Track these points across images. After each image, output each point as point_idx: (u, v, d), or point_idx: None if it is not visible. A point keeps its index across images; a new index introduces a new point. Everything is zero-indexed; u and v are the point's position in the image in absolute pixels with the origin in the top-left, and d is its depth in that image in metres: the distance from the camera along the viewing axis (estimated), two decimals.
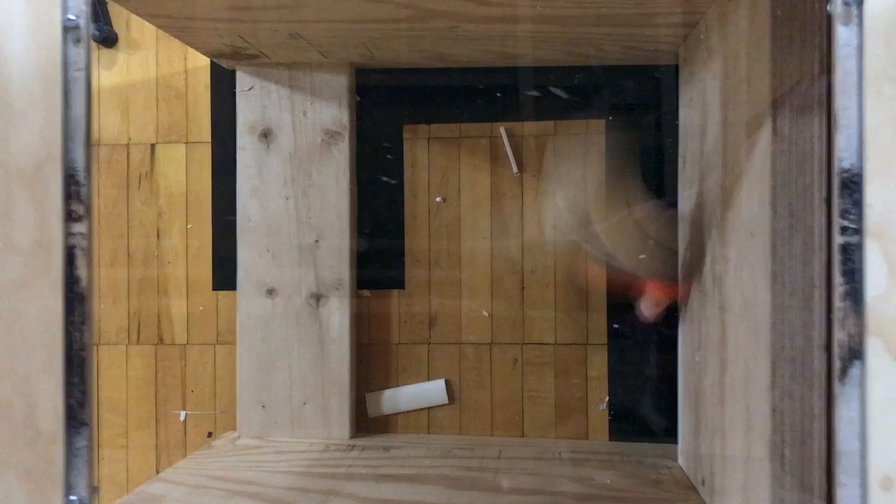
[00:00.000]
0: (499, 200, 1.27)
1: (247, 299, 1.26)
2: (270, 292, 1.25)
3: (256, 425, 1.26)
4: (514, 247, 1.27)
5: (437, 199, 1.28)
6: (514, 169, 1.26)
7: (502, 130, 1.27)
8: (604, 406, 1.26)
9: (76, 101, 0.60)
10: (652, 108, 1.24)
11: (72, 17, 0.60)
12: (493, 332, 1.27)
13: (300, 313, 1.25)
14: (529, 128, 1.27)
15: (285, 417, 1.25)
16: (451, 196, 1.28)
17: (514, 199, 1.27)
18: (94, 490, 0.64)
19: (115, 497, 1.24)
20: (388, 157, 1.29)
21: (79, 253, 0.62)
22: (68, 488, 0.62)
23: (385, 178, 1.29)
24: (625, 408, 1.26)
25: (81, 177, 0.61)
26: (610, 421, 1.26)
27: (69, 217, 0.61)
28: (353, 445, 1.22)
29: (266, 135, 1.25)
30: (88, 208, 0.62)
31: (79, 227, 0.62)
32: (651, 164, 1.24)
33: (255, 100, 1.26)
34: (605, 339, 1.26)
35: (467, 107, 1.28)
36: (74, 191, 0.61)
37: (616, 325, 1.25)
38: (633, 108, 1.25)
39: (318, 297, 1.24)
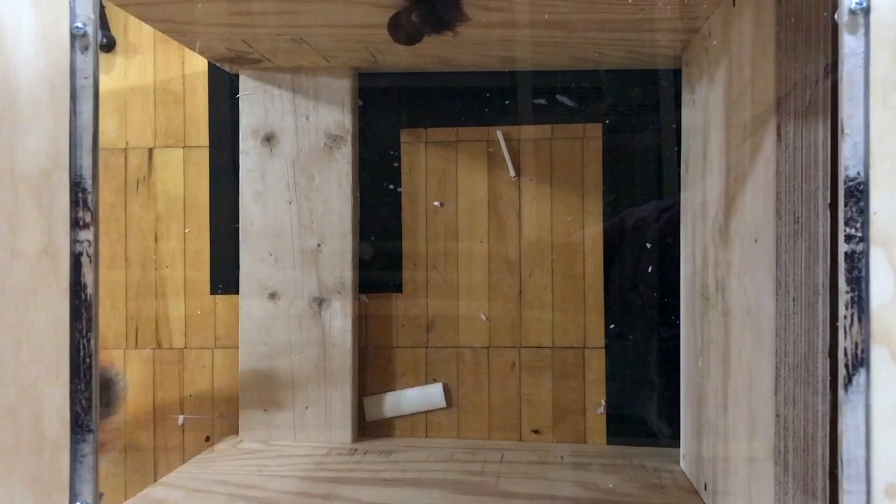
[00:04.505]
0: (496, 204, 1.27)
1: (249, 303, 1.26)
2: (273, 296, 1.25)
3: (258, 429, 1.26)
4: (511, 250, 1.27)
5: (436, 203, 1.28)
6: (511, 173, 1.27)
7: (499, 134, 1.27)
8: (601, 410, 1.26)
9: (83, 108, 0.60)
10: (650, 111, 1.24)
11: (79, 24, 0.60)
12: (490, 336, 1.28)
13: (302, 317, 1.25)
14: (526, 131, 1.27)
15: (287, 421, 1.25)
16: (449, 199, 1.28)
17: (510, 202, 1.27)
18: (99, 496, 0.64)
19: (114, 502, 1.24)
20: (386, 160, 1.29)
21: (85, 260, 0.62)
22: (74, 495, 0.62)
23: (383, 182, 1.29)
24: (623, 411, 1.26)
25: (88, 184, 0.61)
26: (608, 424, 1.26)
27: (76, 224, 0.61)
28: (356, 449, 1.22)
29: (269, 139, 1.25)
30: (95, 215, 0.62)
31: (85, 235, 0.62)
32: (651, 166, 1.24)
33: (257, 104, 1.26)
34: (602, 343, 1.26)
35: (464, 111, 1.28)
36: (81, 198, 0.61)
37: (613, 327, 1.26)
38: (631, 111, 1.25)
39: (320, 301, 1.24)
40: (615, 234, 1.25)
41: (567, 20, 0.98)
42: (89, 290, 0.62)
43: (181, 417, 1.32)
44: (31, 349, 0.60)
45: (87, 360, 0.62)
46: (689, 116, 1.12)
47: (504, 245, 1.27)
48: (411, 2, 0.95)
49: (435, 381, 1.29)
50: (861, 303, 0.51)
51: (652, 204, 1.24)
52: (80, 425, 0.62)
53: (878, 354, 0.51)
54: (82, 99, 0.61)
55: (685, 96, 1.15)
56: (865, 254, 0.51)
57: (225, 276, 1.31)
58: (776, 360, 0.72)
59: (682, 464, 1.16)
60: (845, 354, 0.52)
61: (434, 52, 1.15)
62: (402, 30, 1.01)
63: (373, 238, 1.29)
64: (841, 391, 0.52)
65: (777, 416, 0.72)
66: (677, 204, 1.17)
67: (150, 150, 1.33)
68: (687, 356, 1.14)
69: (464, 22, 0.99)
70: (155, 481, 1.17)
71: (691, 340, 1.10)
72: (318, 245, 1.25)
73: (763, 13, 0.76)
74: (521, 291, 1.27)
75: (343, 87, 1.25)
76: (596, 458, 1.19)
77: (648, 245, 1.24)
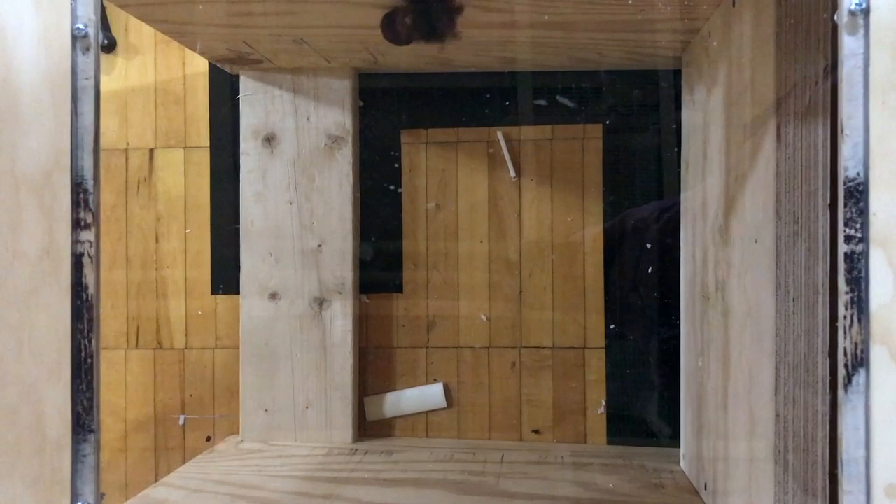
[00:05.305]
0: (496, 204, 1.27)
1: (250, 303, 1.26)
2: (273, 296, 1.25)
3: (259, 429, 1.26)
4: (511, 250, 1.27)
5: (430, 204, 1.28)
6: (511, 173, 1.27)
7: (499, 135, 1.27)
8: (602, 410, 1.26)
9: (85, 109, 0.61)
10: (650, 112, 1.25)
11: (81, 26, 0.60)
12: (490, 336, 1.28)
13: (303, 317, 1.25)
14: (527, 132, 1.27)
15: (288, 421, 1.25)
16: (449, 200, 1.28)
17: (511, 203, 1.27)
18: (101, 496, 0.64)
19: (115, 502, 1.24)
20: (387, 161, 1.29)
21: (86, 261, 0.62)
22: (75, 495, 0.62)
23: (383, 183, 1.29)
24: (623, 411, 1.26)
25: (89, 185, 0.61)
26: (608, 424, 1.26)
27: (77, 225, 0.61)
28: (356, 449, 1.22)
29: (269, 139, 1.25)
30: (96, 216, 0.62)
31: (86, 235, 0.62)
32: (651, 167, 1.24)
33: (258, 105, 1.26)
34: (603, 343, 1.26)
35: (465, 111, 1.28)
36: (83, 199, 0.61)
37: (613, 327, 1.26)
38: (631, 111, 1.25)
39: (321, 301, 1.25)
40: (615, 235, 1.25)
41: (567, 21, 0.98)
42: (90, 291, 0.62)
43: (182, 417, 1.32)
44: (32, 349, 0.60)
45: (89, 360, 0.62)
46: (689, 117, 1.12)
47: (504, 245, 1.27)
48: (408, 3, 0.95)
49: (435, 381, 1.29)
50: (861, 303, 0.51)
51: (652, 204, 1.24)
52: (81, 425, 0.62)
53: (877, 354, 0.51)
54: (83, 100, 0.61)
55: (685, 97, 1.15)
56: (865, 254, 0.52)
57: (225, 277, 1.31)
58: (776, 360, 0.72)
59: (682, 464, 1.16)
60: (845, 355, 0.52)
61: (434, 53, 1.15)
62: (395, 30, 1.01)
63: (373, 238, 1.29)
64: (841, 391, 0.52)
65: (777, 416, 0.72)
66: (677, 204, 1.17)
67: (151, 150, 1.33)
68: (687, 356, 1.14)
69: (455, 37, 0.99)
70: (156, 481, 1.17)
71: (691, 340, 1.10)
72: (319, 245, 1.25)
73: (763, 14, 0.76)
74: (521, 292, 1.27)
75: (343, 87, 1.25)
76: (596, 458, 1.19)
77: (648, 245, 1.24)
